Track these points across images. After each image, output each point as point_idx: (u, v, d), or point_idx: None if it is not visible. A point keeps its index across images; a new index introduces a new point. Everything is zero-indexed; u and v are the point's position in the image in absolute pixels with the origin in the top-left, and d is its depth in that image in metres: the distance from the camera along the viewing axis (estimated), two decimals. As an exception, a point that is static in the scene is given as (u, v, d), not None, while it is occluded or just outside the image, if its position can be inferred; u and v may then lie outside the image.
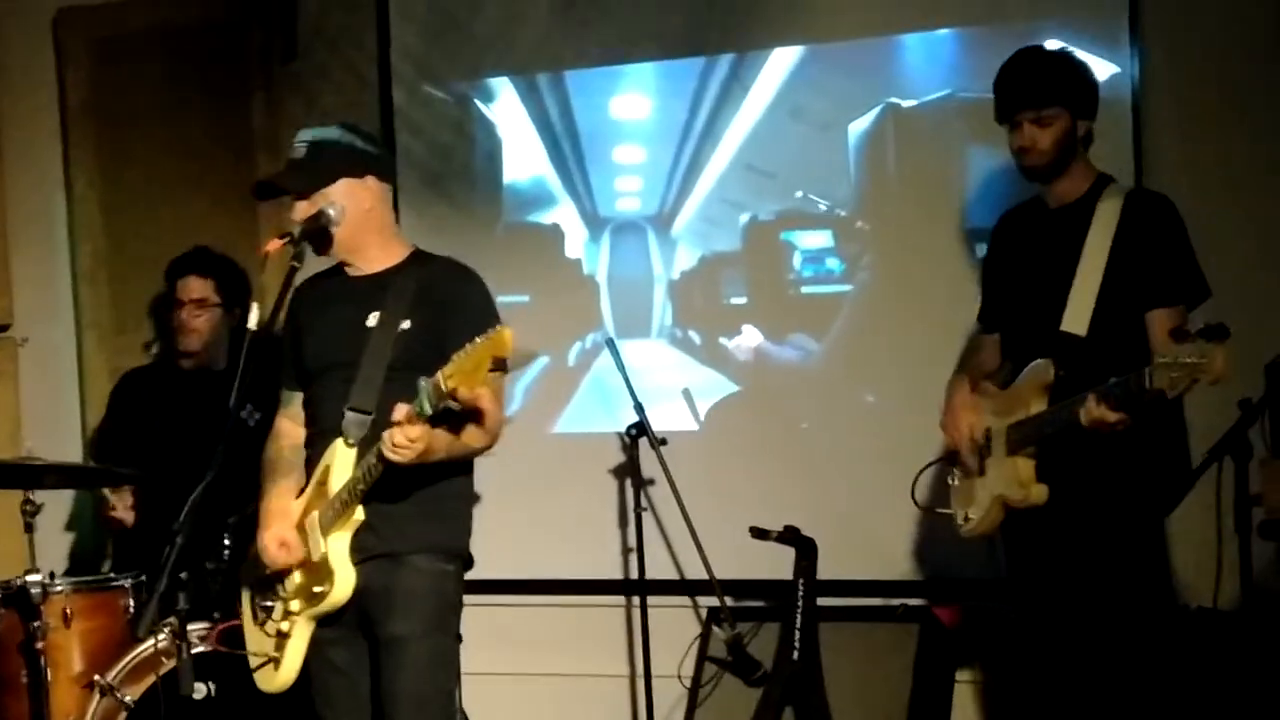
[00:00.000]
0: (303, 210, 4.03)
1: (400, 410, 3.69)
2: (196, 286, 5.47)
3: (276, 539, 4.06)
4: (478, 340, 3.50)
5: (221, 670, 4.61)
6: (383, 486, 3.88)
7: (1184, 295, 4.13)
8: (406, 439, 3.68)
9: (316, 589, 3.94)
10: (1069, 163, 4.31)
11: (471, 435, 3.91)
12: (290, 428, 4.25)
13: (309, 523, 3.98)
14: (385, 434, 3.71)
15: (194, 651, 4.20)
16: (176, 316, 5.50)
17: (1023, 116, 4.30)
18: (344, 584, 3.91)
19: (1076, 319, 4.13)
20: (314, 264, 4.17)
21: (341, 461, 3.94)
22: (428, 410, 3.63)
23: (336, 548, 3.91)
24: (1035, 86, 4.31)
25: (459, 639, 4.18)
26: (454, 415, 3.76)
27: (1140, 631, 4.13)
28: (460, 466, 4.09)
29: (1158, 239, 4.14)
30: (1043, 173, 4.35)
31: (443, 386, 3.56)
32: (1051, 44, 5.09)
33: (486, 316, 3.97)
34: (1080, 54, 4.73)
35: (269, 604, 4.09)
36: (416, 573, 4.01)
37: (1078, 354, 4.05)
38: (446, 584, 4.08)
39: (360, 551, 3.96)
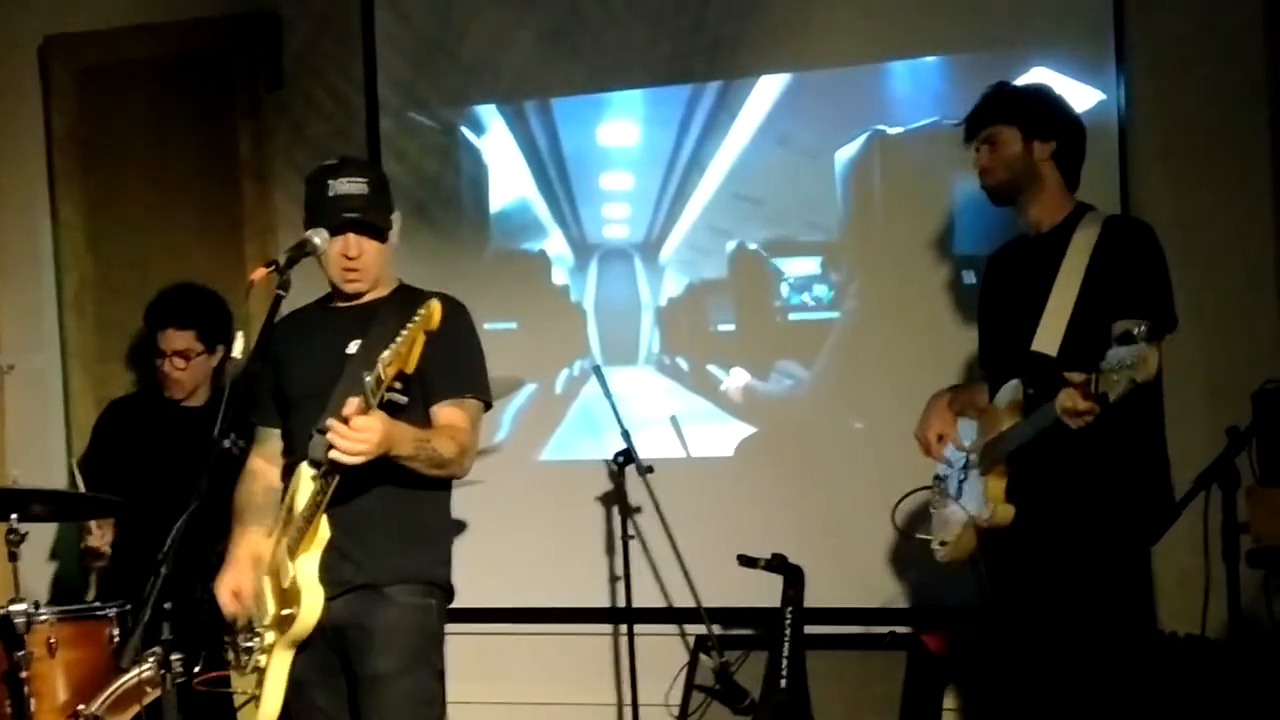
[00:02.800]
0: (359, 248, 4.03)
1: (351, 404, 3.66)
2: (178, 339, 5.45)
3: (228, 588, 4.06)
4: (411, 320, 3.54)
5: (200, 705, 4.58)
6: (359, 514, 3.86)
7: (1150, 314, 4.10)
8: (356, 429, 3.65)
9: (285, 612, 3.90)
10: (1030, 183, 4.33)
11: (440, 440, 3.89)
12: (264, 468, 4.21)
13: (279, 551, 3.95)
14: (330, 429, 3.68)
15: (178, 682, 4.16)
16: (160, 366, 5.48)
17: (976, 141, 4.41)
18: (311, 604, 3.85)
19: (1048, 339, 4.13)
20: (295, 297, 4.13)
21: (305, 484, 3.91)
22: (372, 403, 3.64)
23: (304, 569, 3.86)
24: (978, 110, 4.43)
25: (441, 674, 4.11)
26: (399, 408, 3.76)
27: (1127, 660, 4.12)
28: (436, 492, 4.05)
29: (1133, 261, 4.13)
30: (1001, 193, 4.41)
31: (382, 375, 3.57)
32: (1037, 71, 5.14)
33: (467, 350, 4.00)
34: (1065, 80, 4.76)
35: (249, 645, 4.05)
36: (396, 607, 3.97)
37: (1048, 373, 4.05)
38: (428, 618, 4.04)
39: (339, 584, 3.92)
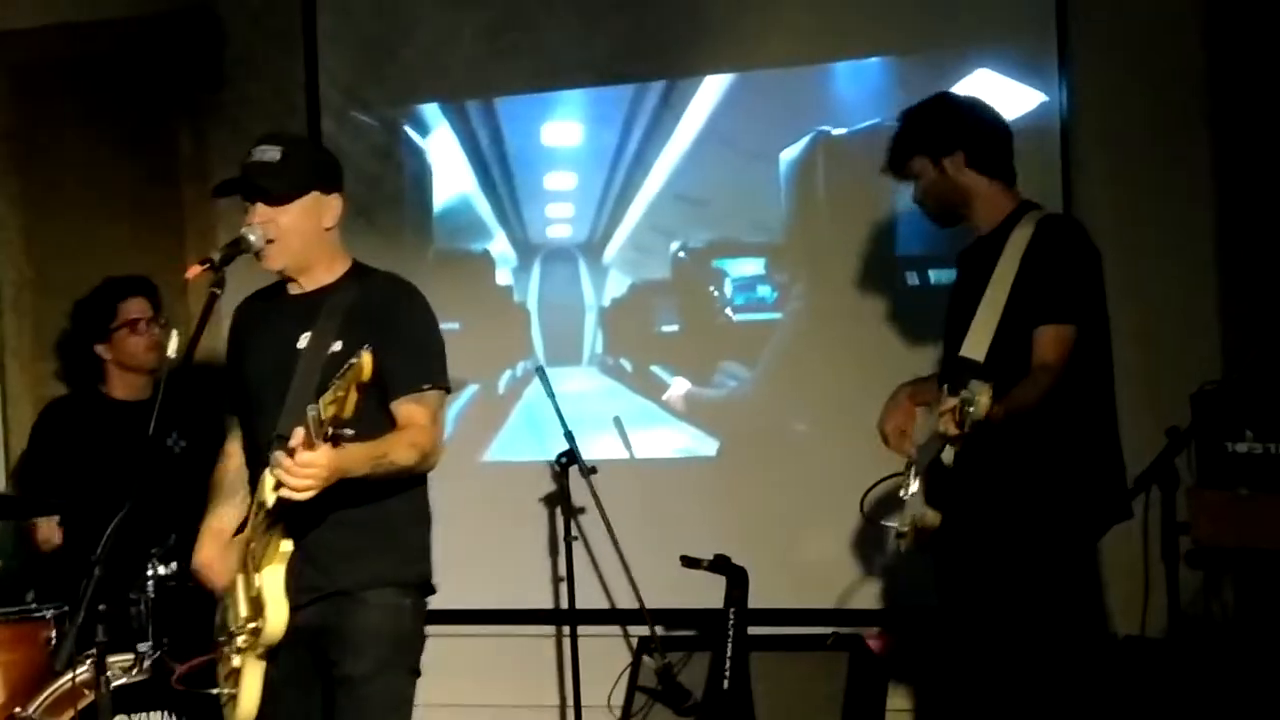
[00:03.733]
0: (263, 216, 3.87)
1: (297, 435, 3.55)
2: (143, 306, 5.39)
3: (202, 560, 4.00)
4: (344, 370, 3.43)
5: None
6: (326, 519, 3.80)
7: (1074, 315, 4.13)
8: (301, 465, 3.54)
9: (252, 624, 3.84)
10: (962, 198, 4.33)
11: (398, 451, 3.78)
12: (237, 449, 4.13)
13: (249, 553, 3.90)
14: (277, 466, 3.58)
15: (114, 685, 4.12)
16: (129, 339, 5.40)
17: (902, 179, 4.45)
18: (275, 617, 3.76)
19: (975, 344, 4.13)
20: (256, 281, 4.12)
21: (270, 493, 3.84)
22: (315, 440, 3.54)
23: (270, 581, 3.77)
24: (891, 153, 4.44)
25: (417, 673, 4.01)
26: (348, 438, 3.67)
27: (1069, 659, 4.12)
28: (406, 491, 3.94)
29: (1057, 258, 4.14)
30: (941, 218, 4.44)
31: (321, 417, 3.50)
32: (980, 74, 5.16)
33: (422, 337, 3.91)
34: (1007, 82, 4.80)
35: (225, 637, 3.99)
36: (370, 610, 3.88)
37: (976, 379, 4.04)
38: (402, 619, 3.93)
39: (310, 591, 3.85)
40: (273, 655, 3.86)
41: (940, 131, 4.33)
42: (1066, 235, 4.22)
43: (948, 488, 4.08)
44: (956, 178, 4.30)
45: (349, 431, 3.55)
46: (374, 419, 3.81)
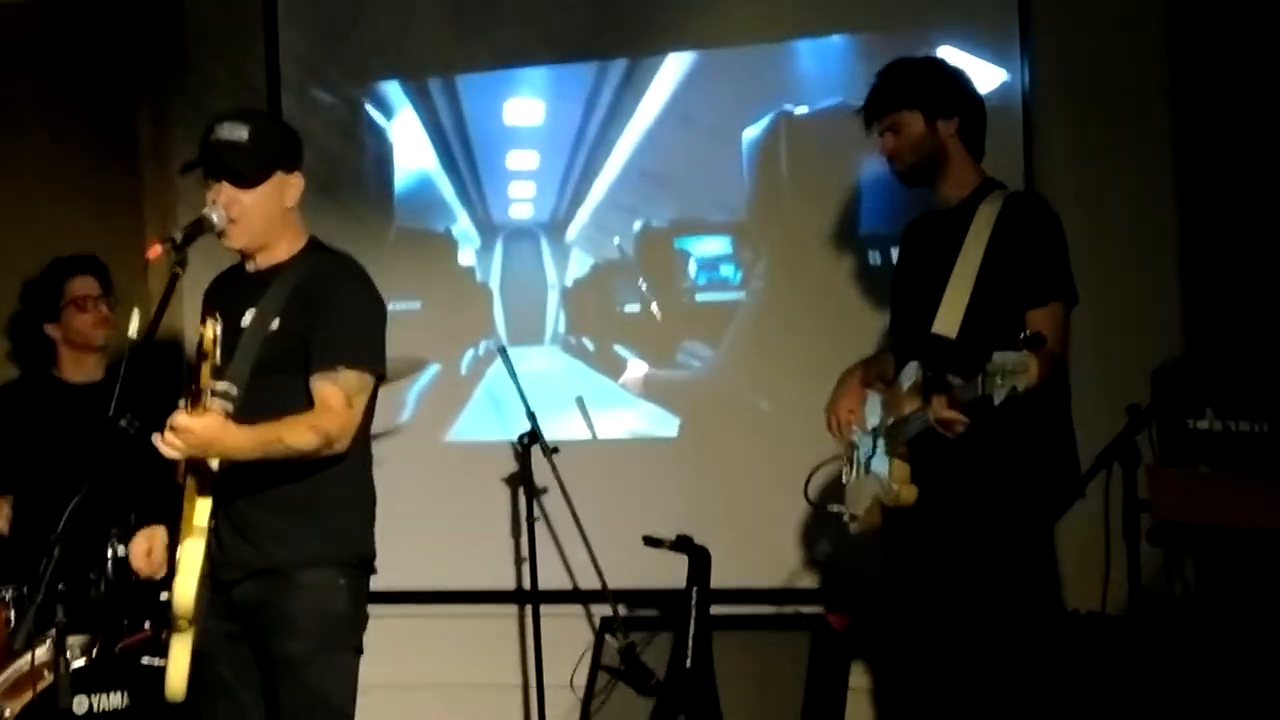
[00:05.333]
0: (228, 196, 3.84)
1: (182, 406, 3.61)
2: (90, 284, 5.35)
3: (142, 546, 3.99)
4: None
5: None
6: (255, 496, 3.79)
7: (1057, 294, 4.15)
8: (175, 429, 3.54)
9: (164, 595, 3.81)
10: (941, 164, 4.32)
11: (294, 434, 3.72)
12: None
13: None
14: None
15: (73, 666, 4.09)
16: (77, 316, 5.36)
17: (879, 126, 4.38)
18: (181, 590, 3.66)
19: (947, 321, 4.14)
20: (219, 259, 4.10)
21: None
22: (188, 407, 3.57)
23: (185, 553, 3.70)
24: (877, 96, 4.39)
25: (358, 651, 3.99)
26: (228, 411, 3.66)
27: (1027, 637, 4.14)
28: (339, 469, 3.88)
29: (1031, 239, 4.16)
30: (912, 176, 4.39)
31: (191, 386, 3.54)
32: (943, 51, 5.15)
33: (347, 316, 3.86)
34: (970, 60, 4.78)
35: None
36: (300, 590, 3.84)
37: (947, 356, 4.05)
38: (336, 599, 3.89)
39: (240, 567, 3.84)
40: (204, 629, 3.78)
41: (944, 93, 4.33)
42: (1045, 214, 4.24)
43: (940, 455, 4.10)
44: (945, 142, 4.30)
45: (219, 403, 3.58)
46: (297, 398, 3.81)
